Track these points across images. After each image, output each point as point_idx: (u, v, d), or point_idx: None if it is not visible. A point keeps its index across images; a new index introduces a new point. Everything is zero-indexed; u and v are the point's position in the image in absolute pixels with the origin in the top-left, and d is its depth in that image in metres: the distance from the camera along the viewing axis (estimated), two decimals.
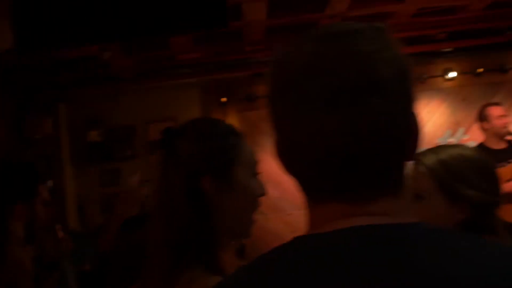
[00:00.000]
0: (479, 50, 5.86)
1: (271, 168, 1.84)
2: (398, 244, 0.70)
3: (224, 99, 5.85)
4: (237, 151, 1.36)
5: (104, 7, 3.01)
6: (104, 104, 5.87)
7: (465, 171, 1.57)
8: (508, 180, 4.39)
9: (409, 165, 0.81)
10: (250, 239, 1.42)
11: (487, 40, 5.72)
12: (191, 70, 5.67)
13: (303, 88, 0.74)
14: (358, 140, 0.73)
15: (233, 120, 5.55)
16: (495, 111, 4.61)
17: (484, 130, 4.66)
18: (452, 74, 5.86)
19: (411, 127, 0.78)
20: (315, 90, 0.73)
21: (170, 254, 1.26)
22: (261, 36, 4.88)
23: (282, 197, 5.41)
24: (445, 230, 0.80)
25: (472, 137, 5.44)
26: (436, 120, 5.88)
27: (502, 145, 4.55)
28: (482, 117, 4.68)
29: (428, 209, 1.58)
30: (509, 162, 4.45)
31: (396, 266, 0.67)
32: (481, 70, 5.83)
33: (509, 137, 4.50)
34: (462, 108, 5.88)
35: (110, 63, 4.90)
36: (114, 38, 3.40)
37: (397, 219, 0.74)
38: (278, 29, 4.67)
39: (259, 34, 4.84)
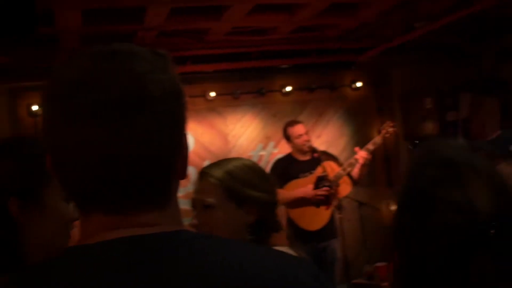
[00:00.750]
0: (287, 70, 6.28)
1: None
2: (159, 252, 0.75)
3: (35, 108, 5.51)
4: (47, 173, 1.33)
5: None
6: None
7: (249, 177, 1.74)
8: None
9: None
10: None
11: (295, 61, 6.16)
12: None
13: (72, 102, 0.76)
14: (122, 155, 0.76)
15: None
16: (295, 131, 4.96)
17: (291, 147, 5.02)
18: (264, 91, 6.17)
19: (179, 146, 0.82)
20: (84, 104, 0.75)
21: None
22: (76, 44, 4.75)
23: None
24: (207, 236, 0.87)
25: (282, 150, 5.78)
26: (249, 134, 6.15)
27: (306, 157, 4.93)
28: (285, 136, 5.03)
29: (219, 216, 1.71)
30: (311, 173, 4.85)
31: (157, 273, 0.72)
32: (289, 88, 6.22)
33: (315, 154, 4.87)
34: (273, 123, 6.21)
35: None
36: None
37: (162, 229, 0.78)
38: (94, 38, 4.58)
39: (74, 42, 4.71)
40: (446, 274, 1.00)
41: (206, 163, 5.67)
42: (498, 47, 6.19)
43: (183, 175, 0.84)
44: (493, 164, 1.13)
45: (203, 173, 1.78)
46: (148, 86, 0.78)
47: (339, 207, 4.80)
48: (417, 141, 5.54)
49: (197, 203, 1.77)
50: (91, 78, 0.77)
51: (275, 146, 6.15)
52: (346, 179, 4.89)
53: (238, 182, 1.71)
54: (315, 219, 4.81)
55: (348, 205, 5.73)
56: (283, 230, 1.79)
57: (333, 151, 6.19)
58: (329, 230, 4.88)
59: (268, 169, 5.14)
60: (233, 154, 6.00)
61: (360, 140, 6.39)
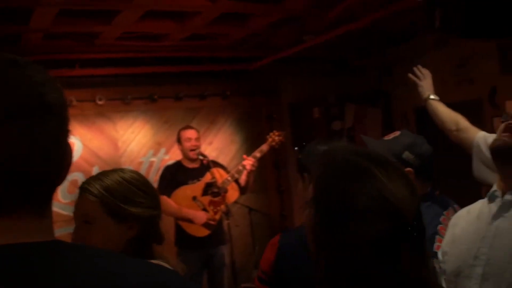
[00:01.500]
0: (181, 76, 6.29)
1: None
2: (30, 262, 0.76)
3: None
4: None
5: None
6: None
7: (128, 193, 1.71)
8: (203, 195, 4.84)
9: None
10: None
11: (188, 68, 6.18)
12: None
13: None
14: (17, 157, 0.78)
15: None
16: (186, 135, 5.01)
17: (180, 150, 5.05)
18: (156, 97, 6.11)
19: (68, 152, 0.86)
20: None
21: None
22: None
23: None
24: (79, 247, 0.87)
25: (172, 157, 5.78)
26: (140, 140, 6.09)
27: (195, 165, 4.97)
28: (178, 139, 5.06)
29: (98, 233, 1.68)
30: (199, 180, 4.90)
31: (27, 284, 0.73)
32: (182, 95, 6.23)
33: (204, 160, 4.91)
34: (164, 130, 6.19)
35: None
36: None
37: (37, 237, 0.79)
38: None
39: None
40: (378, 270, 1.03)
41: (95, 169, 5.58)
42: (381, 61, 6.56)
43: (62, 181, 0.86)
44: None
45: (82, 188, 1.74)
46: (48, 92, 0.81)
47: (228, 213, 4.86)
48: (304, 144, 5.74)
49: (77, 217, 1.74)
50: None
51: (166, 153, 6.13)
52: (234, 185, 4.98)
53: (117, 199, 1.68)
54: (203, 225, 4.86)
55: (238, 211, 5.82)
56: (165, 240, 1.78)
57: (224, 158, 6.29)
58: (217, 237, 4.94)
59: (158, 175, 5.14)
60: (123, 160, 5.92)
61: (250, 147, 6.51)
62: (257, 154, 5.12)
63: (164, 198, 4.72)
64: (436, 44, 5.51)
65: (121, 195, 1.69)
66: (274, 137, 5.30)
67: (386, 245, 1.01)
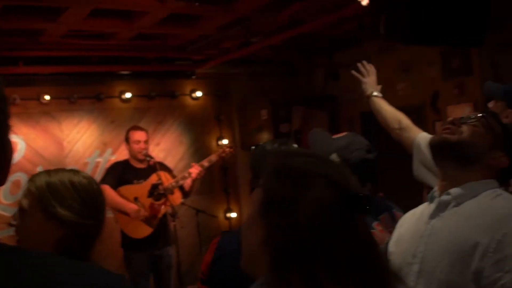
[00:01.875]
0: (129, 76, 6.24)
1: None
2: None
3: None
4: None
5: None
6: None
7: (67, 195, 1.69)
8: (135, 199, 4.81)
9: None
10: None
11: (136, 68, 6.13)
12: None
13: None
14: None
15: None
16: (134, 136, 4.97)
17: (128, 150, 5.00)
18: (103, 97, 6.04)
19: (8, 149, 0.84)
20: None
21: None
22: None
23: None
24: (23, 250, 0.85)
25: (119, 157, 5.70)
26: (86, 140, 5.98)
27: (142, 165, 4.93)
28: (126, 138, 5.01)
29: (28, 223, 1.68)
30: (145, 180, 4.86)
31: None
32: (129, 95, 6.16)
33: (151, 161, 4.88)
34: (110, 130, 6.10)
35: None
36: None
37: None
38: None
39: None
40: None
41: (39, 169, 5.45)
42: (327, 64, 6.67)
43: (3, 181, 0.84)
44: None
45: (31, 176, 1.76)
46: None
47: (174, 215, 4.85)
48: (254, 147, 5.78)
49: (19, 203, 1.74)
50: None
51: (113, 153, 6.05)
52: (178, 189, 4.98)
53: (52, 196, 1.68)
54: (141, 227, 4.81)
55: (186, 212, 5.80)
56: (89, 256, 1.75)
57: (171, 159, 6.25)
58: (163, 238, 4.91)
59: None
60: (68, 161, 5.81)
61: (198, 148, 6.53)
62: (205, 163, 5.13)
63: (105, 187, 4.65)
64: (381, 49, 5.64)
65: (58, 194, 1.69)
66: (225, 149, 5.40)
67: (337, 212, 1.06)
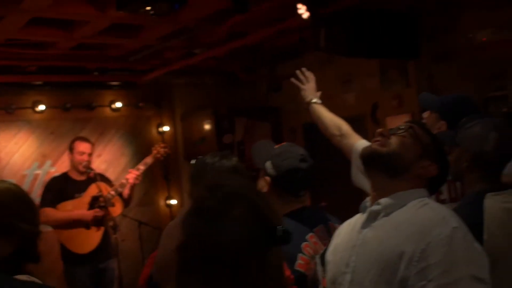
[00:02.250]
0: (69, 86, 6.12)
1: None
2: None
3: None
4: None
5: None
6: None
7: (14, 205, 1.64)
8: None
9: None
10: None
11: (77, 78, 6.03)
12: None
13: None
14: None
15: None
16: (77, 147, 4.86)
17: (70, 160, 4.89)
18: (42, 107, 5.90)
19: None
20: None
21: None
22: None
23: None
24: None
25: (59, 169, 5.57)
26: (24, 151, 5.83)
27: (82, 177, 4.84)
28: (70, 148, 4.90)
29: None
30: (85, 192, 4.77)
31: None
32: (69, 105, 6.05)
33: (91, 173, 4.78)
34: (50, 141, 5.96)
35: None
36: None
37: None
38: None
39: None
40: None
41: None
42: (270, 76, 6.73)
43: None
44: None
45: None
46: None
47: (115, 227, 4.76)
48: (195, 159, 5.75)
49: None
50: None
51: (52, 165, 5.91)
52: (117, 198, 4.88)
53: (4, 211, 1.62)
54: (86, 241, 4.71)
55: (128, 224, 5.72)
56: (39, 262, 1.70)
57: (113, 170, 6.16)
58: (105, 251, 4.81)
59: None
60: (5, 173, 5.64)
61: (141, 159, 6.43)
62: (141, 166, 5.07)
63: (49, 210, 4.56)
64: (321, 61, 5.74)
65: (8, 207, 1.62)
66: (159, 149, 5.27)
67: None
